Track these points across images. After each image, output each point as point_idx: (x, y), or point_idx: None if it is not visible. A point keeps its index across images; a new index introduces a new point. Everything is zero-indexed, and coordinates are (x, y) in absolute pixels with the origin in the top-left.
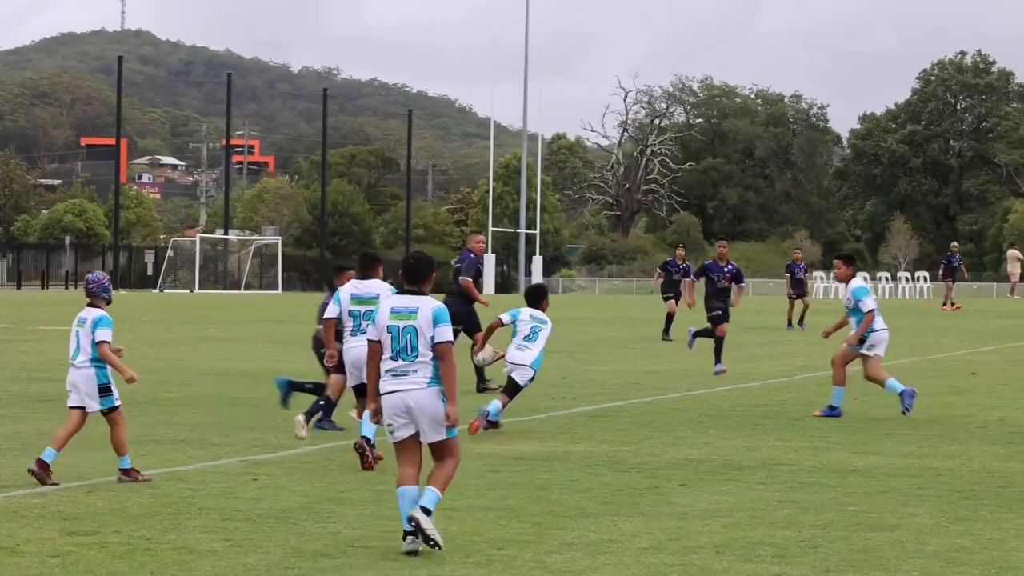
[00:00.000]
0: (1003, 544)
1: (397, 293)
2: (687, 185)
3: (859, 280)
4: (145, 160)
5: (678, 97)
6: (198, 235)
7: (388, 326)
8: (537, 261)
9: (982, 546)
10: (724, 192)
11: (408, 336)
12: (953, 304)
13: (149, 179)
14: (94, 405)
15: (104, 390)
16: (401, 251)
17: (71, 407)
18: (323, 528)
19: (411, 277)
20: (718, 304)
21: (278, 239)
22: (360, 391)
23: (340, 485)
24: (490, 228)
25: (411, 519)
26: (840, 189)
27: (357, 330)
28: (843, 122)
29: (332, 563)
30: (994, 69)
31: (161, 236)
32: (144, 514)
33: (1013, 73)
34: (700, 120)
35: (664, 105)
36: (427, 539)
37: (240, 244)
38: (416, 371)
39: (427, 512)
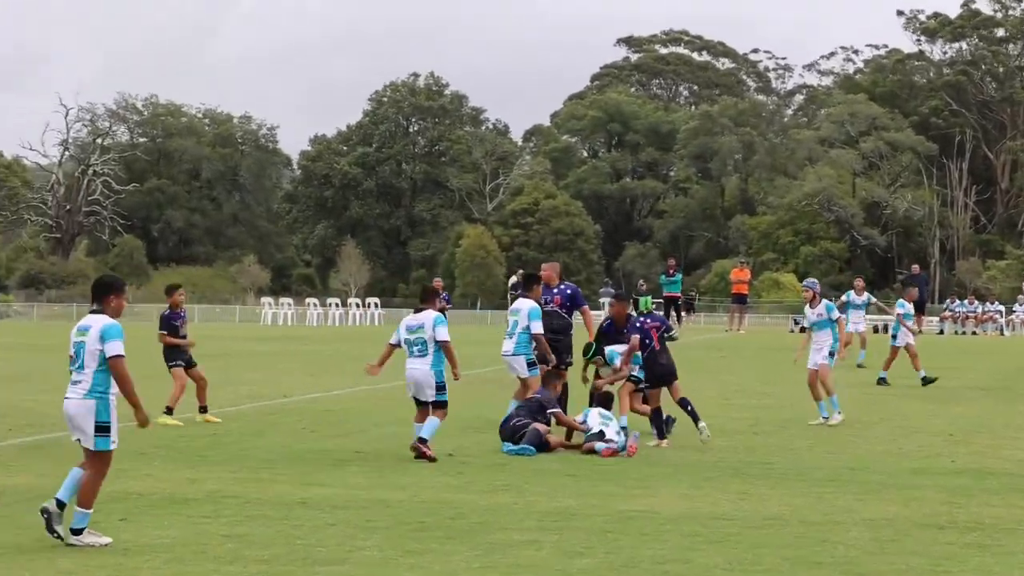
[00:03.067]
0: None
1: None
2: (131, 207)
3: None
4: None
5: (121, 115)
6: None
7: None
8: None
9: None
10: (169, 214)
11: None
12: None
13: None
14: None
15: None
16: None
17: None
18: None
19: (93, 296)
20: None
21: None
22: (419, 402)
23: None
24: None
25: (43, 510)
26: (290, 212)
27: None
28: (294, 144)
29: None
30: (447, 92)
31: None
32: None
33: (466, 97)
34: (145, 139)
35: (107, 123)
36: (50, 529)
37: None
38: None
39: (61, 507)
